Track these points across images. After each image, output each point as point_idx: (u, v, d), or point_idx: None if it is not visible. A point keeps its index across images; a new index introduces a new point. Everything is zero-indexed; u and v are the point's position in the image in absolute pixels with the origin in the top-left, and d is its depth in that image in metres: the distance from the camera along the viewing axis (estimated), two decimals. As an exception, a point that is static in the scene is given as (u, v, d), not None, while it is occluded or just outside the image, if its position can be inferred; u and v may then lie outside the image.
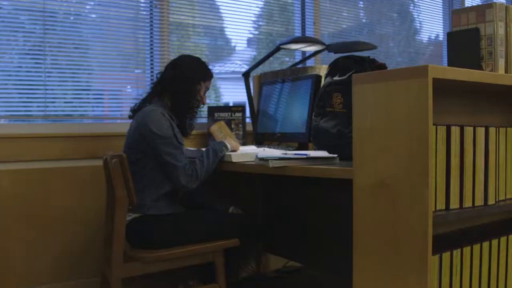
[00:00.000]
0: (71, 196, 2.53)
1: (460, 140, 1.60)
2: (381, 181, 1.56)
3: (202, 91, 2.21)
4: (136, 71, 2.92)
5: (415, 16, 4.34)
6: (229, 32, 3.16)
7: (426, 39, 4.45)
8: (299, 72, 2.66)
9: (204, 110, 2.93)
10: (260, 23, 3.28)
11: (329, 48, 2.64)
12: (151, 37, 2.90)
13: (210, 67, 2.27)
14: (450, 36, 1.92)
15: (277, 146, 2.58)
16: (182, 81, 2.13)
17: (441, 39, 4.57)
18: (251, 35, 3.23)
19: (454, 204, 1.59)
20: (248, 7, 3.17)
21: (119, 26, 2.83)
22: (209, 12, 3.11)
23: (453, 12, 1.93)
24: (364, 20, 3.96)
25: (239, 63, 3.22)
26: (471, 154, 1.63)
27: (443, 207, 1.57)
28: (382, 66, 2.16)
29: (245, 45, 3.24)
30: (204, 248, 2.06)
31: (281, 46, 2.50)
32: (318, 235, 2.37)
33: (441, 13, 4.57)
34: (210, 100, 3.24)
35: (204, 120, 2.94)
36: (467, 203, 1.62)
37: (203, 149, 2.22)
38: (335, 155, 1.90)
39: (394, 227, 1.53)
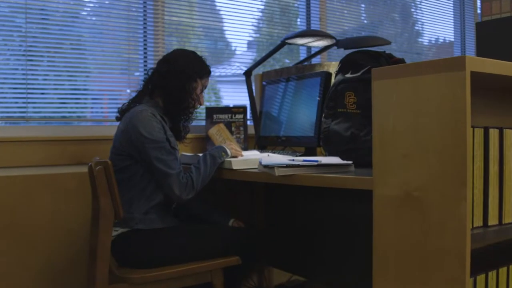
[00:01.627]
0: (56, 205, 2.30)
1: (499, 144, 1.37)
2: (408, 193, 1.34)
3: (198, 90, 1.98)
4: (136, 73, 2.69)
5: (422, 17, 4.13)
6: (229, 35, 2.97)
7: (435, 40, 4.24)
8: (305, 70, 2.43)
9: (201, 111, 2.70)
10: (261, 25, 3.08)
11: (339, 43, 2.41)
12: (144, 38, 2.68)
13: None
14: (479, 26, 1.70)
15: (281, 151, 2.35)
16: (175, 77, 1.90)
17: (450, 40, 4.35)
18: (251, 38, 3.04)
19: (493, 219, 1.36)
20: (249, 10, 2.98)
21: (110, 25, 2.60)
22: (208, 14, 2.89)
23: (483, 0, 1.70)
24: (374, 21, 3.75)
25: (239, 66, 3.03)
26: (511, 160, 1.39)
27: (481, 224, 1.34)
28: (400, 62, 1.94)
29: (246, 48, 3.02)
30: (201, 267, 1.82)
31: (287, 41, 2.27)
32: (325, 249, 2.15)
33: (451, 13, 4.36)
34: (210, 103, 3.02)
35: (202, 123, 2.70)
36: (507, 219, 1.39)
37: (200, 154, 1.99)
38: (350, 162, 1.67)
39: (423, 247, 1.31)
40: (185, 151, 2.36)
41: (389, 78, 1.40)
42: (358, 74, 1.93)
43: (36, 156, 2.28)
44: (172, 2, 2.75)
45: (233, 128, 2.60)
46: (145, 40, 2.69)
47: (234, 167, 1.87)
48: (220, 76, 3.01)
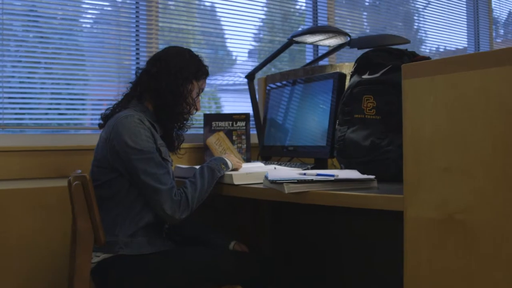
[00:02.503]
0: (35, 223, 2.05)
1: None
2: (449, 215, 1.09)
3: (194, 93, 1.73)
4: (124, 79, 2.44)
5: (425, 24, 3.91)
6: (230, 43, 2.75)
7: (443, 48, 4.01)
8: (314, 72, 2.18)
9: (199, 118, 2.46)
10: (262, 34, 2.86)
11: (351, 43, 2.16)
12: (136, 43, 2.44)
13: (210, 79, 1.79)
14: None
15: (288, 163, 2.09)
16: (168, 78, 1.65)
17: (461, 47, 4.12)
18: (252, 46, 2.81)
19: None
20: (250, 17, 2.76)
21: (91, 27, 2.36)
22: (208, 22, 2.68)
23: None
24: (378, 28, 3.53)
25: (240, 75, 2.79)
26: None
27: (541, 254, 1.08)
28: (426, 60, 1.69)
29: (247, 57, 2.80)
30: (197, 300, 1.56)
31: (294, 39, 2.01)
32: (340, 272, 1.89)
33: (464, 18, 4.13)
34: (209, 110, 2.77)
35: (200, 131, 2.45)
36: None
37: (197, 167, 1.73)
38: (372, 177, 1.42)
39: (469, 283, 1.05)
40: (180, 163, 2.11)
41: (424, 75, 1.15)
42: (377, 74, 1.70)
43: (13, 168, 2.02)
44: (169, 9, 2.53)
45: (234, 137, 2.34)
46: (137, 45, 2.44)
47: (236, 182, 1.61)
48: (221, 84, 2.78)
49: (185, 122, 1.73)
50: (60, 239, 2.06)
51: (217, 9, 2.69)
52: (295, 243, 2.12)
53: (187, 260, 1.60)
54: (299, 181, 1.36)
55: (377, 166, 1.59)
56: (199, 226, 1.86)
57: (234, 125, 2.34)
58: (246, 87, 2.41)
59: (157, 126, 1.66)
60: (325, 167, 2.03)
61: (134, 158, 1.51)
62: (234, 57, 2.82)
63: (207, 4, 2.66)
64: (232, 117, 2.35)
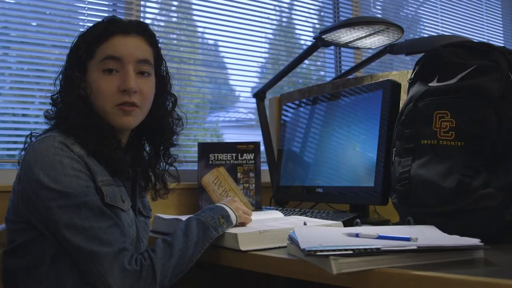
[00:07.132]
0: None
1: None
2: None
3: (93, 76, 1.06)
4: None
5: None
6: (233, 80, 2.43)
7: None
8: (347, 86, 1.61)
9: (193, 148, 1.87)
10: (265, 71, 2.49)
11: (394, 48, 1.60)
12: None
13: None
14: None
15: (312, 210, 1.50)
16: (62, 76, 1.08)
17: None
18: (254, 84, 2.42)
19: None
20: (254, 52, 2.41)
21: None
22: (212, 60, 2.35)
23: None
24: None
25: (244, 111, 2.44)
26: None
27: None
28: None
29: (250, 94, 2.40)
30: None
31: (323, 37, 1.44)
32: None
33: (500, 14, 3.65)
34: (209, 138, 2.21)
35: (193, 167, 1.87)
36: None
37: (184, 218, 1.14)
38: (478, 242, 0.83)
39: None
40: (162, 211, 1.51)
41: None
42: (454, 80, 1.18)
43: None
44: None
45: (239, 174, 1.75)
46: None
47: (243, 247, 1.00)
48: (223, 121, 2.35)
49: (94, 131, 1.03)
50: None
51: (220, 45, 2.38)
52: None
53: None
54: (356, 252, 0.76)
55: (467, 220, 1.01)
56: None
57: (239, 158, 1.75)
58: (252, 123, 1.96)
59: (99, 155, 1.02)
60: (366, 216, 1.45)
61: (52, 206, 0.91)
62: (237, 94, 2.48)
63: (210, 42, 2.39)
64: (236, 148, 1.76)
